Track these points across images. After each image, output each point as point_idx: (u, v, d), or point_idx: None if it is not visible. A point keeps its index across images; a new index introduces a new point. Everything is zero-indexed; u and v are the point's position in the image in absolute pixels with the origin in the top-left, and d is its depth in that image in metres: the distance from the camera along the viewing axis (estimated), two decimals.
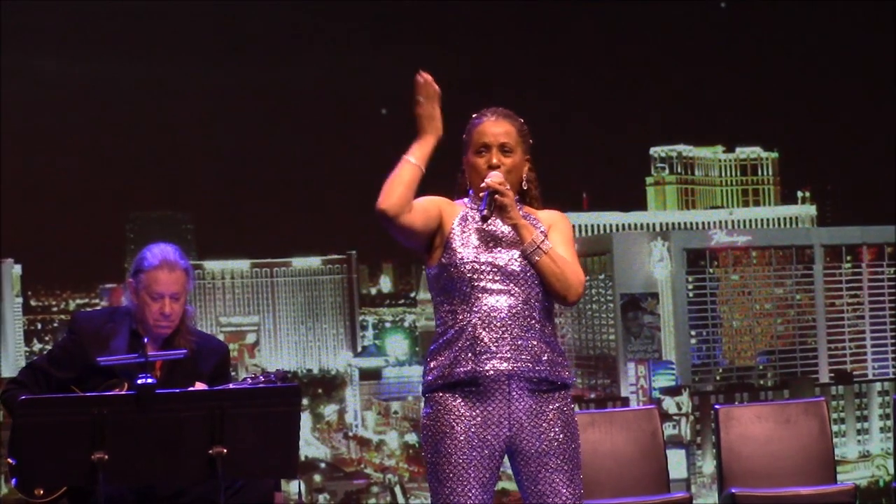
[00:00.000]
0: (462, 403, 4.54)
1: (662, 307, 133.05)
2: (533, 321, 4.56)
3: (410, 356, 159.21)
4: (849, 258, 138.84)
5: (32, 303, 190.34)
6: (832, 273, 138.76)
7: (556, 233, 4.69)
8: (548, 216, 4.74)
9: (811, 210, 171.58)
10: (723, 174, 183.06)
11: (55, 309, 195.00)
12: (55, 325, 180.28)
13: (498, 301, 4.54)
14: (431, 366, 4.60)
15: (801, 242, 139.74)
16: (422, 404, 4.65)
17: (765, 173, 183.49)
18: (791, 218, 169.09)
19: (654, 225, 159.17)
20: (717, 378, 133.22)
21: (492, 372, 4.51)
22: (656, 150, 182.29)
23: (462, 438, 4.53)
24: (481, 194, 4.59)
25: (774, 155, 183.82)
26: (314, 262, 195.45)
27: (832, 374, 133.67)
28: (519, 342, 4.53)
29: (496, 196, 4.54)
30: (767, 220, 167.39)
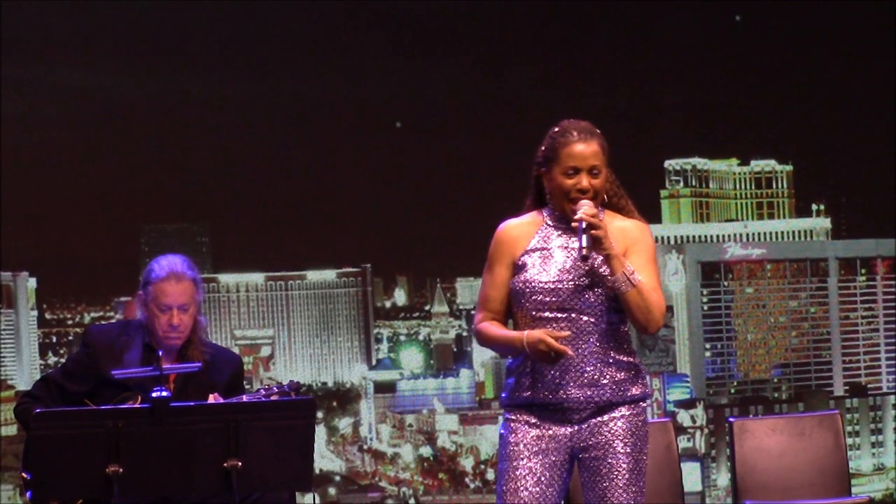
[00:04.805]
0: (535, 420, 4.62)
1: (677, 320, 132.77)
2: (595, 347, 4.59)
3: (425, 369, 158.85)
4: (863, 271, 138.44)
5: (47, 316, 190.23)
6: (847, 286, 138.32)
7: (637, 255, 4.63)
8: (630, 229, 4.70)
9: (826, 223, 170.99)
10: (737, 187, 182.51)
11: (70, 322, 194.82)
12: (70, 338, 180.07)
13: (559, 328, 4.57)
14: (507, 383, 4.71)
15: (816, 255, 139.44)
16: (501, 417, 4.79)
17: (779, 186, 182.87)
18: (806, 231, 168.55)
19: (668, 238, 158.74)
20: (732, 391, 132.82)
21: (550, 398, 4.60)
22: (671, 163, 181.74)
23: (527, 454, 4.61)
24: (574, 224, 4.56)
25: (789, 168, 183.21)
26: (329, 275, 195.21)
27: (847, 387, 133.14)
28: (573, 371, 4.59)
29: (592, 231, 4.49)
30: (782, 232, 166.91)
